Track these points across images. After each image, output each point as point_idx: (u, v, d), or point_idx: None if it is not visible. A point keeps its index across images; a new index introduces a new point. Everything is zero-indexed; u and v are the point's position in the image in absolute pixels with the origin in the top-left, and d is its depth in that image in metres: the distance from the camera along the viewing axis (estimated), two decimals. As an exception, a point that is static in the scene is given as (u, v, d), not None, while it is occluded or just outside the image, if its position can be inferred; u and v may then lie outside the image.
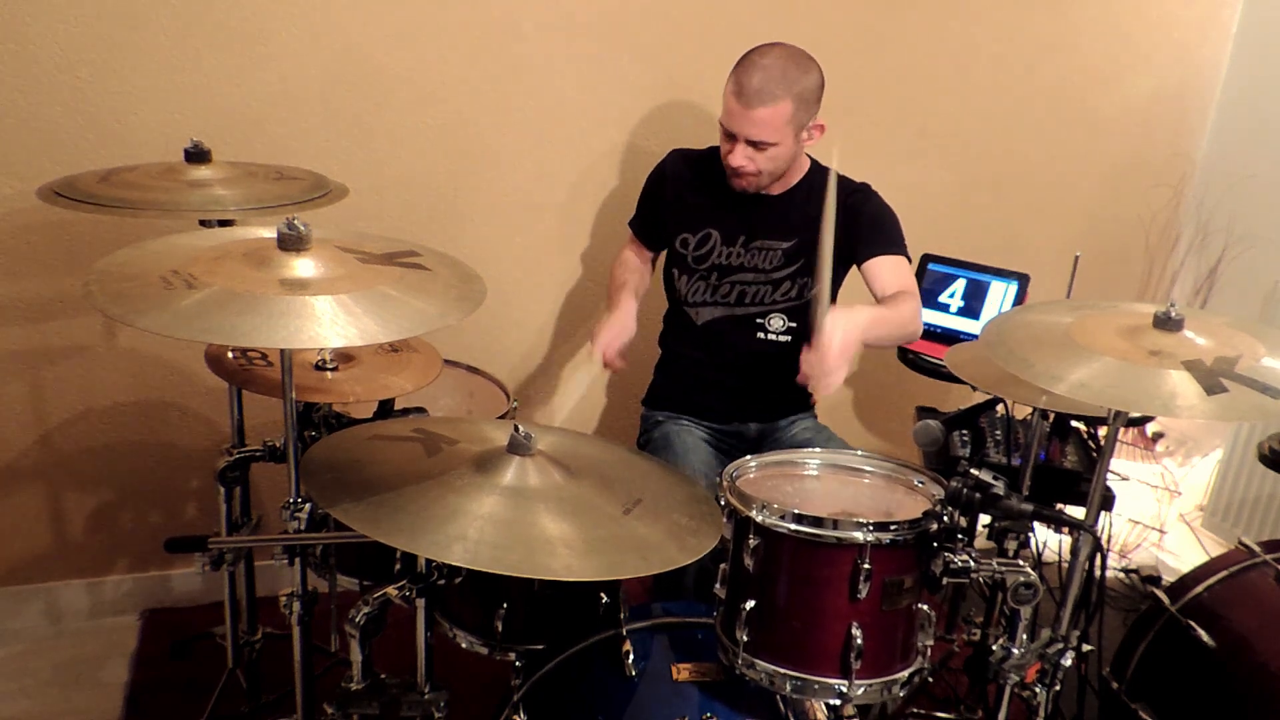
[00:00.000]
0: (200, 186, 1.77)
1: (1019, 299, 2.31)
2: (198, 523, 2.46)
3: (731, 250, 2.08)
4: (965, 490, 1.42)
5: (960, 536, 1.43)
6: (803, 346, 2.13)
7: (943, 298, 2.38)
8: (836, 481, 1.62)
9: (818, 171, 2.09)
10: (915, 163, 2.73)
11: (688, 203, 2.11)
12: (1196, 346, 1.39)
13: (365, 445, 1.46)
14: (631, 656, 1.49)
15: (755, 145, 1.92)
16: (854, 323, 1.74)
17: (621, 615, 1.55)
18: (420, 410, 1.77)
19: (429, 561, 1.39)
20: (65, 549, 2.39)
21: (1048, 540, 2.13)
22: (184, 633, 2.31)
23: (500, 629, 1.50)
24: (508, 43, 2.30)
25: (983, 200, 2.83)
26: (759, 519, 1.39)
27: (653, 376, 2.27)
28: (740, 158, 1.94)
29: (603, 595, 1.54)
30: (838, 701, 1.40)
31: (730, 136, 1.94)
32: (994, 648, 1.53)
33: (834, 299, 2.14)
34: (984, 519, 1.59)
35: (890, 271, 2.01)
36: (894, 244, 2.04)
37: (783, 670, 1.40)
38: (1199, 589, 1.86)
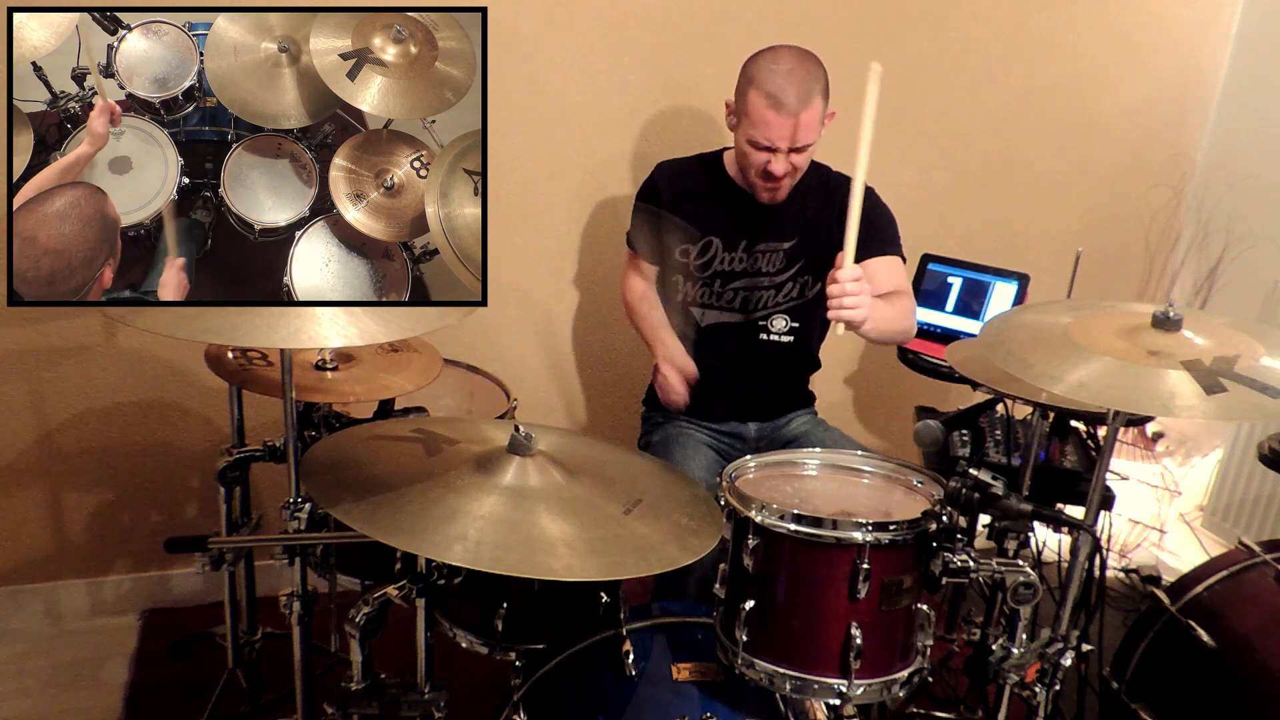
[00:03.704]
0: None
1: (1019, 299, 2.31)
2: (198, 523, 2.46)
3: (733, 256, 2.08)
4: (965, 490, 1.43)
5: (960, 536, 1.43)
6: (805, 347, 2.15)
7: (942, 297, 2.38)
8: (836, 481, 1.62)
9: (813, 169, 2.09)
10: (915, 163, 2.72)
11: (684, 214, 2.10)
12: (1195, 346, 1.39)
13: (365, 445, 1.46)
14: (631, 656, 1.49)
15: (798, 150, 1.91)
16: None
17: (621, 615, 1.55)
18: (420, 410, 1.77)
19: (429, 561, 1.39)
20: (65, 549, 2.39)
21: (1047, 540, 2.13)
22: (184, 633, 2.31)
23: (500, 629, 1.50)
24: (509, 45, 2.30)
25: (983, 200, 2.83)
26: (758, 519, 1.39)
27: (653, 377, 2.27)
28: (783, 165, 1.92)
29: (603, 595, 1.54)
30: (837, 701, 1.40)
31: (764, 149, 1.91)
32: (994, 647, 1.53)
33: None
34: (984, 519, 1.59)
35: (884, 272, 2.01)
36: (889, 245, 2.05)
37: (782, 670, 1.40)
38: (1199, 589, 1.86)
